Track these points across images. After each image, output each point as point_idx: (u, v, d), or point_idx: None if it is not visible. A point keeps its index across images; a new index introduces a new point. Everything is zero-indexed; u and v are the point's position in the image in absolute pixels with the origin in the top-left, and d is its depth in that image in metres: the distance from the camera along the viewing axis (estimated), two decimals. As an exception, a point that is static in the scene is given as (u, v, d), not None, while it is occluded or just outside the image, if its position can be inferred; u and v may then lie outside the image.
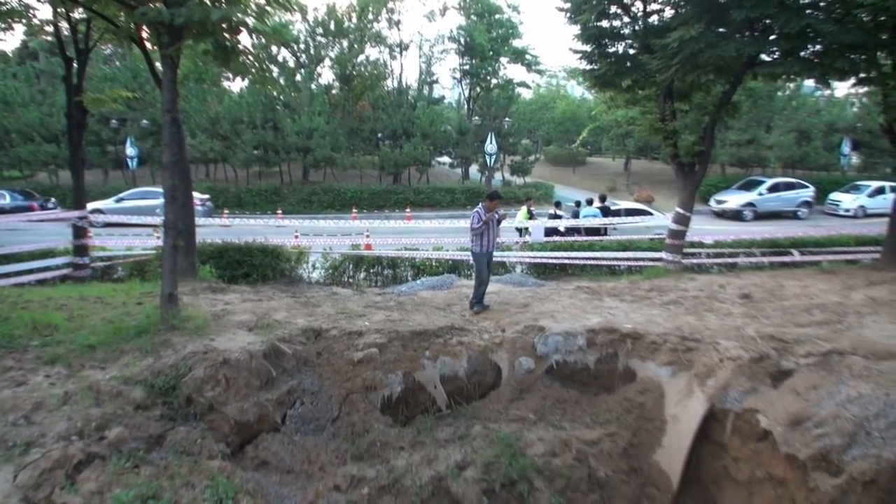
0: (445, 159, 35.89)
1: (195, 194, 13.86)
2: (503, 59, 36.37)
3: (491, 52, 34.66)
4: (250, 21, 7.51)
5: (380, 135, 33.10)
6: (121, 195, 24.44)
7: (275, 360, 6.29)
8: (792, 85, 31.62)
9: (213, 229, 17.95)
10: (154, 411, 5.37)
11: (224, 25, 7.15)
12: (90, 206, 22.21)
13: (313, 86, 31.92)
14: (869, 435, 5.15)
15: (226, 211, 25.87)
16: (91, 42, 11.08)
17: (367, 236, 16.98)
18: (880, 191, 27.41)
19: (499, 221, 8.85)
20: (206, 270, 10.90)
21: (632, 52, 12.68)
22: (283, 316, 7.59)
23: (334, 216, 25.85)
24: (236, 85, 34.61)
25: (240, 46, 7.85)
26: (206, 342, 6.22)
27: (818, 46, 10.92)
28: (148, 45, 9.29)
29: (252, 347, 6.20)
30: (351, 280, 13.12)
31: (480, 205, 8.74)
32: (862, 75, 11.63)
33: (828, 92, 33.73)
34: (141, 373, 5.65)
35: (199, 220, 12.40)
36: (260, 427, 5.87)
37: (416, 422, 6.68)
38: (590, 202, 16.82)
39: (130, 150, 27.97)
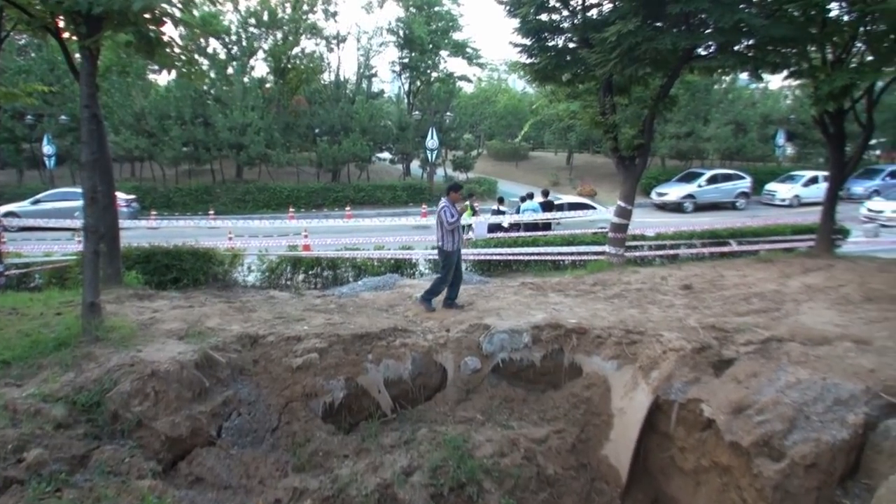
0: (386, 155, 35.72)
1: (119, 195, 13.33)
2: (443, 53, 36.44)
3: (431, 45, 34.66)
4: (176, 12, 7.26)
5: (317, 130, 32.62)
6: (37, 197, 23.36)
7: (208, 370, 6.10)
8: (728, 78, 32.82)
9: (140, 232, 17.39)
10: (77, 430, 5.14)
11: (147, 16, 6.89)
12: (3, 208, 21.16)
13: (246, 79, 31.14)
14: (808, 419, 5.38)
15: (153, 212, 25.01)
16: (3, 32, 10.48)
17: (306, 236, 16.73)
18: (814, 180, 28.72)
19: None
20: (132, 276, 10.50)
21: (571, 45, 12.88)
22: (217, 322, 7.38)
23: (270, 216, 25.39)
24: (163, 78, 33.51)
25: (165, 38, 7.58)
26: (132, 353, 5.98)
27: (751, 41, 11.38)
28: (66, 35, 8.85)
29: (183, 357, 5.99)
30: (289, 283, 12.89)
31: (445, 199, 8.68)
32: (793, 68, 12.18)
33: (762, 85, 35.20)
34: (61, 389, 5.39)
35: (123, 223, 11.95)
36: (193, 442, 5.68)
37: (360, 428, 6.60)
38: (530, 196, 17.00)
39: (47, 149, 26.71)
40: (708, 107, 34.29)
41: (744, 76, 22.28)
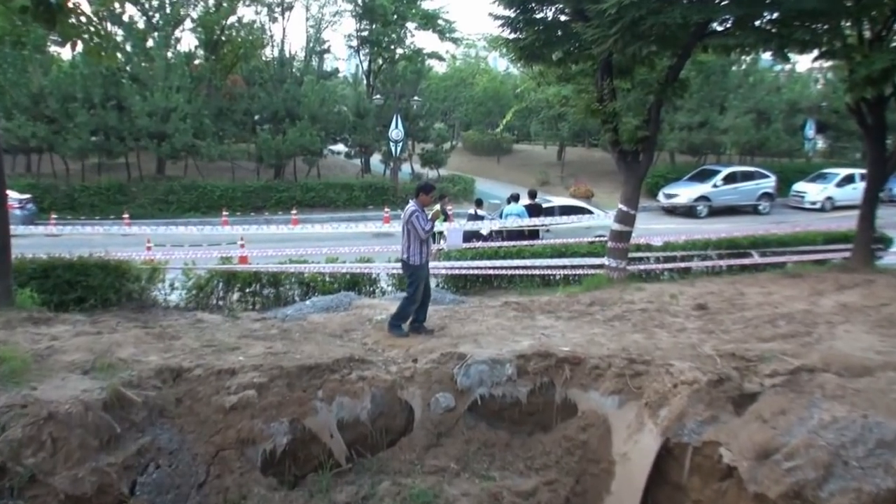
0: (340, 148, 35.65)
1: (11, 194, 13.12)
2: (410, 25, 36.59)
3: (395, 16, 34.77)
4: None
5: (257, 117, 32.45)
6: None
7: (119, 412, 5.99)
8: (748, 59, 33.40)
9: (37, 240, 17.07)
10: (-48, 488, 5.01)
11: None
12: None
13: (170, 54, 30.83)
14: (846, 465, 5.42)
15: (53, 215, 24.64)
16: None
17: (242, 246, 16.62)
18: (849, 179, 29.32)
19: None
20: (26, 296, 10.31)
21: (563, 18, 13.00)
22: (131, 353, 7.26)
23: (199, 221, 25.11)
24: (67, 52, 33.09)
25: (69, 3, 7.50)
26: (24, 392, 5.83)
27: (775, 14, 11.56)
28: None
29: (88, 396, 5.87)
30: (221, 303, 12.80)
31: (413, 202, 8.76)
32: (825, 48, 12.41)
33: (788, 67, 35.85)
34: (-68, 437, 5.25)
35: (16, 229, 11.74)
36: (101, 501, 5.55)
37: (307, 482, 6.52)
38: (516, 198, 17.08)
39: (-79, 139, 26.25)
40: (725, 92, 34.81)
41: (767, 56, 22.68)
